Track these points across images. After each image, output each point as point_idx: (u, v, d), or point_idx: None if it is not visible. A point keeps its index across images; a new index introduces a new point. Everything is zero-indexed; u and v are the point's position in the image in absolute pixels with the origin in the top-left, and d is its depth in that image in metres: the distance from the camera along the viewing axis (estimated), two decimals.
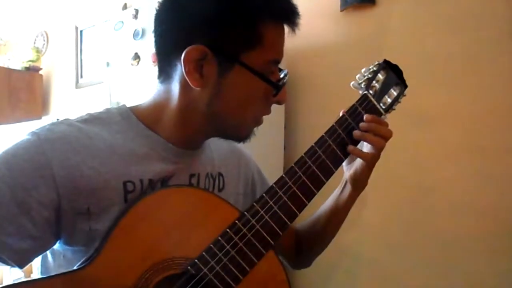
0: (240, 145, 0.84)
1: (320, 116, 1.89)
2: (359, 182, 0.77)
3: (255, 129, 0.69)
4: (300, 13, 0.64)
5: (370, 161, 0.74)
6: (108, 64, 2.19)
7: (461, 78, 1.54)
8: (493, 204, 1.44)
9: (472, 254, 1.47)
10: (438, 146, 1.59)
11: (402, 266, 1.64)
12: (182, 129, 0.66)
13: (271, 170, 0.70)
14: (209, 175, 0.73)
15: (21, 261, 0.55)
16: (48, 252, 0.63)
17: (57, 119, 0.65)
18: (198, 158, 0.71)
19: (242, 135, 0.68)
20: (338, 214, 0.83)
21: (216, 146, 0.77)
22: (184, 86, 0.63)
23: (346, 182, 0.80)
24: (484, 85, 1.49)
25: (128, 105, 0.69)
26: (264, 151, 1.79)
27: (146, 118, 0.66)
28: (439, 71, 1.60)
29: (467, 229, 1.49)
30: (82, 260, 0.56)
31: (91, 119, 0.64)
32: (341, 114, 0.72)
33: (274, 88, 0.64)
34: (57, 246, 0.61)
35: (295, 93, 2.03)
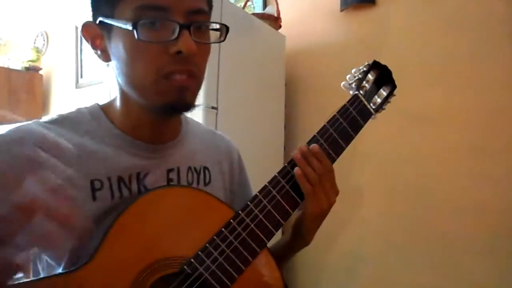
0: (227, 140, 0.84)
1: (320, 116, 1.88)
2: (295, 228, 0.74)
3: (199, 102, 0.66)
4: None
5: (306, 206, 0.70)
6: (108, 64, 2.19)
7: (461, 78, 1.54)
8: (493, 204, 1.45)
9: (472, 253, 1.47)
10: (438, 146, 1.59)
11: (402, 266, 1.64)
12: (128, 118, 0.66)
13: (271, 170, 0.70)
14: (192, 169, 0.72)
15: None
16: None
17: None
18: (176, 151, 0.71)
19: (159, 99, 0.60)
20: (277, 251, 0.77)
21: (201, 139, 0.77)
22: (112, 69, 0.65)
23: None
24: (484, 85, 1.49)
25: (101, 103, 0.70)
26: (264, 151, 1.79)
27: (114, 116, 0.67)
28: (439, 71, 1.60)
29: (467, 229, 1.49)
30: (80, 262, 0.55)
31: (60, 120, 0.64)
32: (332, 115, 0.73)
33: (133, 28, 0.56)
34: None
35: (295, 93, 2.03)
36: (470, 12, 1.53)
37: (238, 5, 2.09)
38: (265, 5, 2.19)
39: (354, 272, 1.79)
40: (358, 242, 1.78)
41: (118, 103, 0.67)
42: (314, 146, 0.69)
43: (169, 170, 0.69)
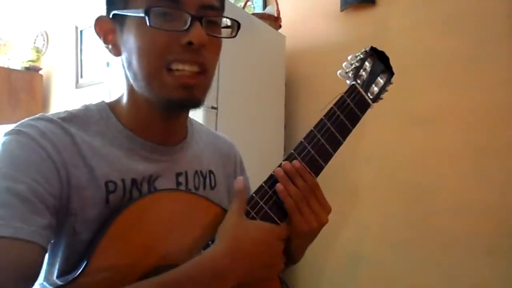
0: (230, 143, 0.84)
1: (320, 116, 1.89)
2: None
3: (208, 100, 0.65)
4: None
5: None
6: (108, 64, 2.19)
7: (461, 78, 1.54)
8: (493, 204, 1.44)
9: (471, 254, 1.47)
10: (438, 146, 1.59)
11: (402, 266, 1.64)
12: (137, 117, 0.65)
13: (271, 170, 0.70)
14: (198, 173, 0.71)
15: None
16: None
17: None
18: (184, 155, 0.70)
19: (165, 91, 0.59)
20: None
21: (206, 142, 0.77)
22: (121, 65, 0.64)
23: None
24: (484, 85, 1.49)
25: (107, 100, 0.68)
26: (264, 151, 1.79)
27: (123, 116, 0.65)
28: (439, 71, 1.60)
29: (467, 229, 1.49)
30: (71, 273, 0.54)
31: (70, 118, 0.62)
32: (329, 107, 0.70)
33: (145, 15, 0.57)
34: None
35: (295, 93, 2.03)
36: (470, 12, 1.53)
37: (238, 5, 2.09)
38: (265, 5, 2.19)
39: (354, 272, 1.79)
40: (358, 242, 1.78)
41: (125, 101, 0.66)
42: (295, 163, 0.66)
43: (178, 174, 0.68)
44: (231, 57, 1.60)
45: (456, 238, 1.51)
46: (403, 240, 1.64)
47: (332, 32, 1.94)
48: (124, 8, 0.61)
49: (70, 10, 3.32)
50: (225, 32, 0.65)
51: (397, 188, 1.69)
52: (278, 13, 1.99)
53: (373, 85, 0.76)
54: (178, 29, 0.58)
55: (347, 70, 0.74)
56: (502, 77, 1.46)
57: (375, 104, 0.76)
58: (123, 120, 0.65)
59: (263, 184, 0.65)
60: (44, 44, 3.62)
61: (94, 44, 3.14)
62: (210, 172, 0.74)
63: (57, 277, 0.57)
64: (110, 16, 0.63)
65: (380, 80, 0.77)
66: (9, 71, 3.32)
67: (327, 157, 0.69)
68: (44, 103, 3.51)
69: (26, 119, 0.59)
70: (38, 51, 3.50)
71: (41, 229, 0.51)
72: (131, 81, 0.63)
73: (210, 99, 1.52)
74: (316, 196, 0.66)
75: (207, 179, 0.73)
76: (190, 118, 0.75)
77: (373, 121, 1.67)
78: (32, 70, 3.43)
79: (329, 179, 0.69)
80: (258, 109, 1.78)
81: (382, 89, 0.77)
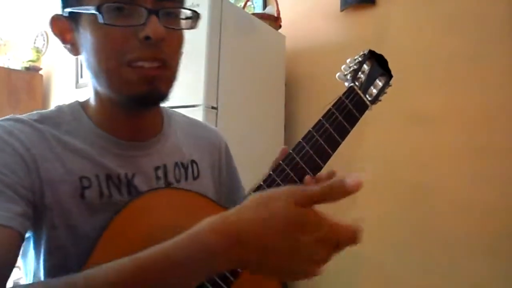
0: (215, 130, 0.83)
1: (320, 116, 1.89)
2: None
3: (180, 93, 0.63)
4: None
5: None
6: None
7: (461, 78, 1.55)
8: (493, 204, 1.44)
9: (471, 254, 1.47)
10: (438, 146, 1.59)
11: (402, 266, 1.64)
12: (104, 115, 0.64)
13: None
14: (178, 165, 0.70)
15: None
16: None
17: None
18: (161, 148, 0.69)
19: (126, 88, 0.58)
20: None
21: (187, 131, 0.75)
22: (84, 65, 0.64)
23: None
24: (484, 85, 1.49)
25: (81, 99, 0.68)
26: (264, 151, 1.79)
27: (93, 115, 0.65)
28: (439, 71, 1.60)
29: (467, 229, 1.49)
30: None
31: (41, 119, 0.62)
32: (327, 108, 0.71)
33: (97, 12, 0.55)
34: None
35: (295, 93, 2.03)
36: (470, 12, 1.53)
37: (238, 5, 2.09)
38: (265, 5, 2.19)
39: (354, 272, 1.79)
40: None
41: (92, 100, 0.66)
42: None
43: (156, 168, 0.67)
44: (231, 57, 1.60)
45: (456, 238, 1.51)
46: (403, 240, 1.64)
47: (332, 32, 1.94)
48: (78, 5, 0.59)
49: None
50: (185, 23, 0.63)
51: (397, 188, 1.69)
52: (278, 13, 1.99)
53: (372, 87, 0.77)
54: (134, 24, 0.56)
55: (346, 73, 0.75)
56: (502, 77, 1.46)
57: (373, 105, 0.77)
58: (94, 119, 0.65)
59: (262, 183, 0.65)
60: (44, 44, 3.61)
61: None
62: (192, 161, 0.73)
63: (44, 275, 0.57)
64: (66, 14, 0.61)
65: (379, 83, 0.78)
66: (9, 71, 3.32)
67: (325, 157, 0.69)
68: (44, 103, 3.51)
69: None
70: (38, 51, 3.50)
71: (17, 215, 0.52)
72: (92, 79, 0.62)
73: (210, 99, 1.52)
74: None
75: (189, 170, 0.71)
76: (167, 108, 0.74)
77: (373, 121, 1.67)
78: (32, 70, 3.43)
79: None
80: (258, 109, 1.78)
81: (381, 92, 0.78)
